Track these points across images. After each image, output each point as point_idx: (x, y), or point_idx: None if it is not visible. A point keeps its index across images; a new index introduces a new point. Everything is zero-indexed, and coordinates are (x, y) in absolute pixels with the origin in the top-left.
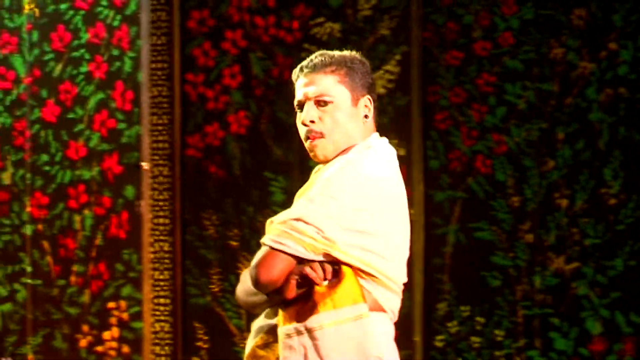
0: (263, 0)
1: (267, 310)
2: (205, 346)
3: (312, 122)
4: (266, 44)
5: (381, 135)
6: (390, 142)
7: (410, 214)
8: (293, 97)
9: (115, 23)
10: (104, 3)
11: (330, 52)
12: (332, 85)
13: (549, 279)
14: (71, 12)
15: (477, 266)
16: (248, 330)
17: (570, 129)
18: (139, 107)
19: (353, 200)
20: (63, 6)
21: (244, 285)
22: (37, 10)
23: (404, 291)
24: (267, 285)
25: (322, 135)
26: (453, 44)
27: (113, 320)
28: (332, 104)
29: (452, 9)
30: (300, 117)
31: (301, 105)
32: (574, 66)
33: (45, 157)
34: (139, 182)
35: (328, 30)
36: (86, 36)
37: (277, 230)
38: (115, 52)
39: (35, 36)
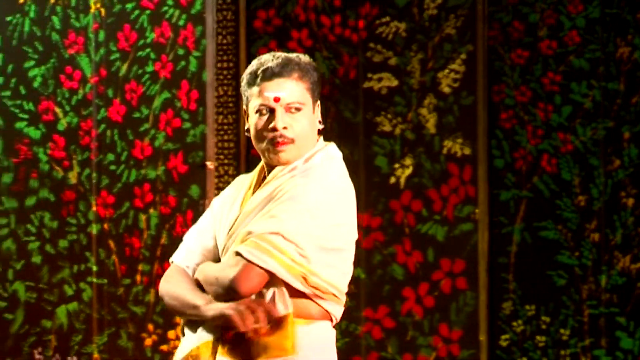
0: (329, 0)
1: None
2: None
3: (285, 128)
4: (332, 43)
5: (446, 135)
6: (455, 141)
7: (475, 213)
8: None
9: (181, 22)
10: (170, 2)
11: (291, 57)
12: (301, 93)
13: (615, 278)
14: (137, 12)
15: (542, 265)
16: None
17: (636, 128)
18: (204, 107)
19: (330, 216)
20: (129, 6)
21: (180, 291)
22: (103, 10)
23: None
24: (245, 296)
25: (292, 142)
26: (518, 42)
27: (178, 319)
28: (300, 111)
29: (518, 7)
30: (261, 120)
31: (265, 110)
32: None
33: (111, 157)
34: (204, 182)
35: (394, 30)
36: (152, 36)
37: (254, 244)
38: (181, 52)
39: (101, 36)
